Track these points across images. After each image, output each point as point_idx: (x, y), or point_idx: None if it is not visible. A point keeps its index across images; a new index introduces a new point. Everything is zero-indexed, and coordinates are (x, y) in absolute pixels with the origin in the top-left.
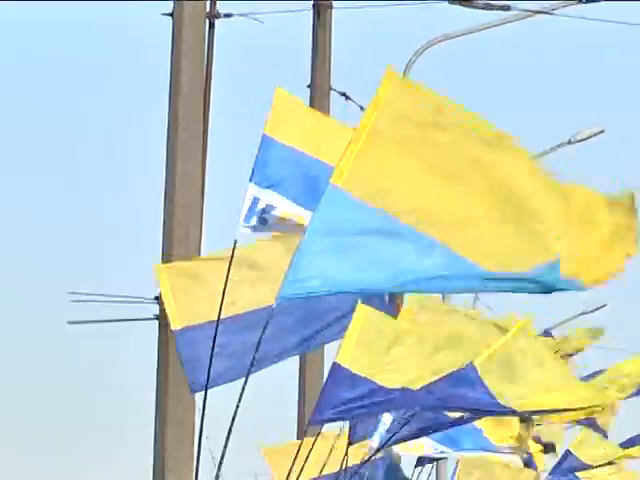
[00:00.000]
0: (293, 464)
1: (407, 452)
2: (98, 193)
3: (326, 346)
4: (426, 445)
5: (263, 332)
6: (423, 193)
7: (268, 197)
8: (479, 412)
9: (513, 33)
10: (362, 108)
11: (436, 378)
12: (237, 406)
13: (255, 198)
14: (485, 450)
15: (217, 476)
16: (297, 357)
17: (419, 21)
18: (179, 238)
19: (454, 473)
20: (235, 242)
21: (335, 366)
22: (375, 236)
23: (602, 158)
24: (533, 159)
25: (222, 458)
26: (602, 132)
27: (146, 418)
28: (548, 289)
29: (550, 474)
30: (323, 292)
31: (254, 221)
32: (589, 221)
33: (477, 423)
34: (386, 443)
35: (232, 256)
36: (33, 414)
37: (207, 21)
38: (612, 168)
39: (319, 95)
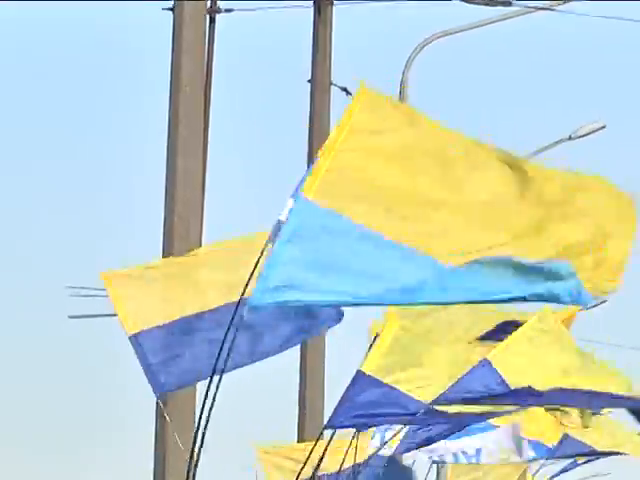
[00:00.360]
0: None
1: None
2: (99, 189)
3: (327, 342)
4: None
5: (234, 333)
6: (399, 203)
7: None
8: (493, 400)
9: (513, 29)
10: None
11: (449, 385)
12: (211, 405)
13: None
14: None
15: (193, 469)
16: (298, 356)
17: (419, 16)
18: (180, 234)
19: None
20: (257, 261)
21: (359, 374)
22: (348, 246)
23: (603, 154)
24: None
25: (198, 455)
26: (603, 128)
27: (147, 415)
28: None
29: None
30: (295, 302)
31: None
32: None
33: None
34: (400, 449)
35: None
36: (33, 412)
37: (208, 16)
38: (613, 164)
39: (320, 90)
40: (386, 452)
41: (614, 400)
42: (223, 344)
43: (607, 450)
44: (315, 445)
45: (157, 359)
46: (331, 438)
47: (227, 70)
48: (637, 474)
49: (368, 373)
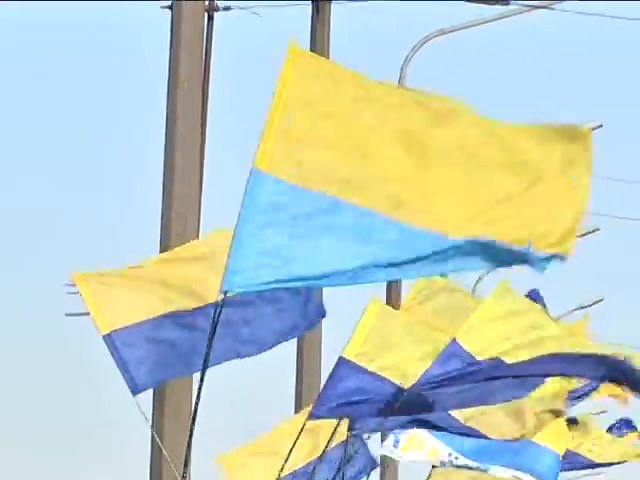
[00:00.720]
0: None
1: (421, 459)
2: (96, 186)
3: (324, 339)
4: (440, 450)
5: (215, 328)
6: (355, 166)
7: None
8: (463, 378)
9: (511, 27)
10: None
11: (424, 369)
12: (196, 405)
13: None
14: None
15: (183, 474)
16: (295, 351)
17: (418, 15)
18: (177, 230)
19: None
20: None
21: (341, 360)
22: (312, 220)
23: (600, 153)
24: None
25: (187, 460)
26: (600, 127)
27: (145, 412)
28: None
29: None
30: (268, 285)
31: None
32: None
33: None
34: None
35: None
36: (30, 411)
37: (206, 14)
38: (609, 163)
39: None
40: (395, 455)
41: (594, 365)
42: (211, 339)
43: (607, 462)
44: (298, 437)
45: (131, 357)
46: (302, 427)
47: (225, 67)
48: (629, 474)
49: (349, 359)
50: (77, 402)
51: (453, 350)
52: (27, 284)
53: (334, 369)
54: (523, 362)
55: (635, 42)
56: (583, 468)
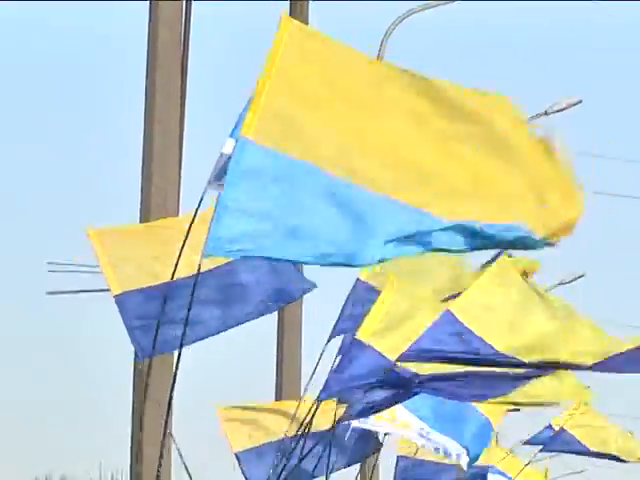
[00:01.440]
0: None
1: (394, 430)
2: (76, 161)
3: (304, 309)
4: (413, 425)
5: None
6: (345, 139)
7: None
8: (477, 362)
9: (492, 4)
10: None
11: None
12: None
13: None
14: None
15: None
16: (275, 327)
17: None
18: (157, 203)
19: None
20: (200, 200)
21: (355, 342)
22: (296, 190)
23: (579, 129)
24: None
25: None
26: (580, 102)
27: (126, 391)
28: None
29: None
30: (247, 254)
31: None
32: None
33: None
34: (365, 411)
35: (194, 216)
36: (12, 388)
37: None
38: (589, 139)
39: None
40: (368, 425)
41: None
42: (189, 313)
43: (598, 451)
44: (298, 407)
45: (139, 323)
46: (319, 401)
47: (204, 41)
48: (610, 472)
49: (365, 341)
50: (55, 375)
51: (448, 322)
52: (7, 262)
53: (348, 350)
54: (536, 362)
55: (615, 20)
56: (572, 452)
